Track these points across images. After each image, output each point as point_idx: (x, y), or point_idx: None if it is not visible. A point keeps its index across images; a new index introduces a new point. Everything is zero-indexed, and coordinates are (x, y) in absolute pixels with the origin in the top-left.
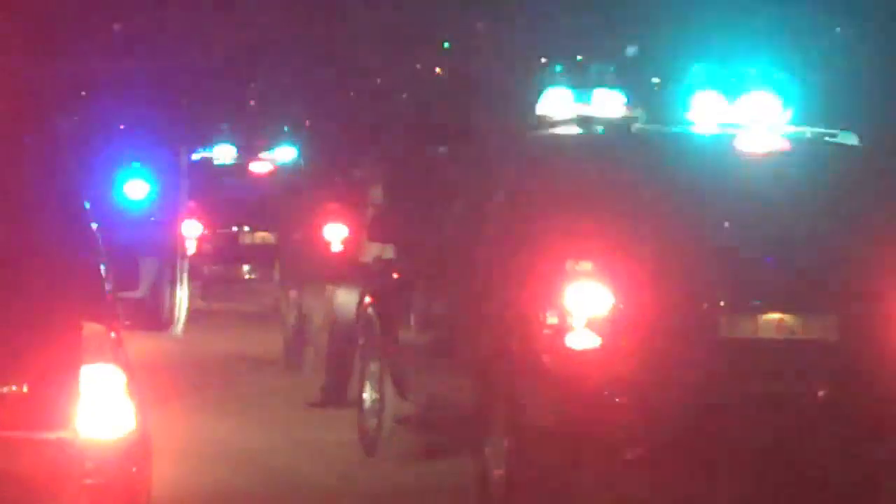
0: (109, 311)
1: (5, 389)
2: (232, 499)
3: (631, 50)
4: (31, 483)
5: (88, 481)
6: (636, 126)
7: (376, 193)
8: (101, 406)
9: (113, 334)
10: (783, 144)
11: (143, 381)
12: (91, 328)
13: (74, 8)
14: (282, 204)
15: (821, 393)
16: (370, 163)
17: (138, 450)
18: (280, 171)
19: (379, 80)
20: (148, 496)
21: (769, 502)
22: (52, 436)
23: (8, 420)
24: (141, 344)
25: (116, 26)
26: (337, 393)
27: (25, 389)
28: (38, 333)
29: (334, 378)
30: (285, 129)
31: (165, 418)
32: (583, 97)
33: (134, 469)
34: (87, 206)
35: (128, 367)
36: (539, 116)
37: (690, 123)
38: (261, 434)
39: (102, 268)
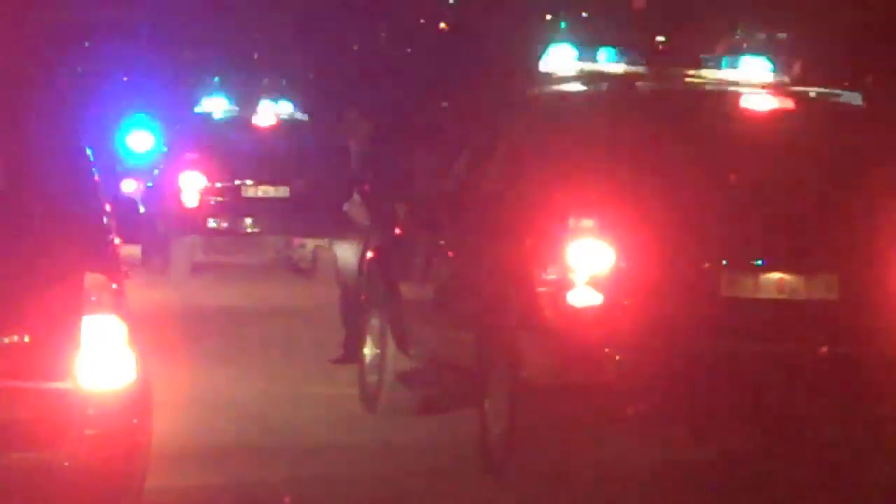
0: (111, 261)
1: (7, 339)
2: (231, 450)
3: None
4: (32, 433)
5: (89, 431)
6: (640, 83)
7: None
8: (102, 356)
9: (115, 285)
10: (787, 103)
11: (145, 332)
12: (93, 278)
13: None
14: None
15: (821, 352)
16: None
17: (139, 400)
18: (297, 125)
19: (383, 35)
20: (148, 446)
21: (768, 461)
22: (53, 386)
23: (9, 370)
24: (143, 295)
25: None
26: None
27: (27, 339)
28: (40, 283)
29: (351, 334)
30: (283, 82)
31: (166, 369)
32: (587, 54)
33: (134, 419)
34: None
35: (129, 318)
36: (543, 72)
37: (696, 81)
38: (261, 387)
39: (105, 218)
